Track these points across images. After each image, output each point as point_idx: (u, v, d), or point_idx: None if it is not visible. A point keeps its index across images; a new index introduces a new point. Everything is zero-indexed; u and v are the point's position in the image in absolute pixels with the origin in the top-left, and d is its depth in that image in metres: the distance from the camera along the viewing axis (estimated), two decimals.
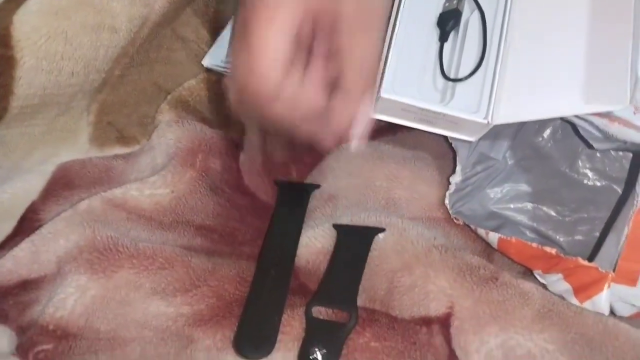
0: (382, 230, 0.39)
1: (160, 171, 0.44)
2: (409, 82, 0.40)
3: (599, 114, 0.34)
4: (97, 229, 0.37)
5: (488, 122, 0.37)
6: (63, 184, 0.45)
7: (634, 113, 0.35)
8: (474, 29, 0.41)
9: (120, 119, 0.50)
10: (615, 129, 0.33)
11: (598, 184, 0.42)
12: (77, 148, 0.49)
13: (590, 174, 0.42)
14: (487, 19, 0.40)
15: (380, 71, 0.41)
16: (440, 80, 0.40)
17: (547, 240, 0.42)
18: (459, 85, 0.39)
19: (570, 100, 0.34)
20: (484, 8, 0.41)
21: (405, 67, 0.40)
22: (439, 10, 0.42)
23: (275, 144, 0.49)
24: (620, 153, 0.42)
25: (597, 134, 0.35)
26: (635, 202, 0.31)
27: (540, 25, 0.38)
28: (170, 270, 0.35)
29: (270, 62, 0.30)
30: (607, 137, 0.34)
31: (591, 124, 0.34)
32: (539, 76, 0.36)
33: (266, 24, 0.30)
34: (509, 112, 0.37)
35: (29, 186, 0.45)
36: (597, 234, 0.42)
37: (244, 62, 0.31)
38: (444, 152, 0.46)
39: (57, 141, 0.47)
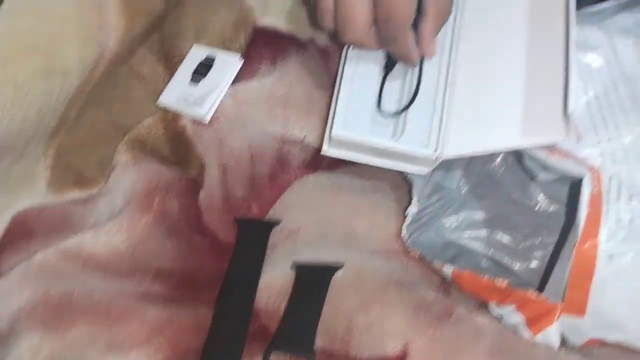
0: (340, 266, 0.39)
1: (117, 216, 0.44)
2: (361, 116, 0.40)
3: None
4: (51, 284, 0.36)
5: (438, 156, 0.37)
6: (20, 234, 0.44)
7: (577, 141, 0.36)
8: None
9: (78, 160, 0.50)
10: (555, 160, 0.34)
11: (550, 209, 0.43)
12: (35, 194, 0.48)
13: (542, 199, 0.43)
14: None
15: (332, 107, 0.41)
16: (393, 110, 0.40)
17: (502, 268, 0.43)
18: (409, 118, 0.39)
19: (510, 134, 0.34)
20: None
21: (356, 101, 0.40)
22: None
23: (235, 179, 0.49)
24: None
25: (539, 165, 0.35)
26: (577, 233, 0.32)
27: (484, 60, 0.39)
28: (126, 323, 0.35)
29: None
30: (548, 168, 0.35)
31: (533, 155, 0.35)
32: (483, 110, 0.37)
33: None
34: (457, 146, 0.37)
35: None
36: None
37: None
38: (401, 182, 0.47)
39: (14, 189, 0.46)
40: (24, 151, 0.46)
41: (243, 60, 0.48)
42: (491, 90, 0.37)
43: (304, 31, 0.51)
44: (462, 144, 0.37)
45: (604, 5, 0.41)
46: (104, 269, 0.40)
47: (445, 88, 0.39)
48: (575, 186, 0.34)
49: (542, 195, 0.43)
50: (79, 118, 0.49)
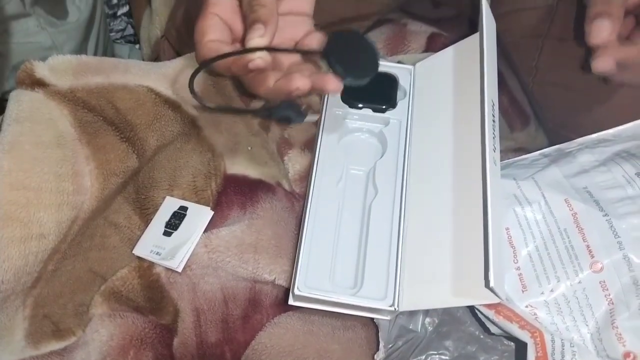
0: None
1: None
2: (321, 273, 0.43)
3: (487, 305, 0.37)
4: None
5: (395, 309, 0.40)
6: None
7: (522, 292, 0.38)
8: (377, 212, 0.44)
9: (56, 309, 0.51)
10: (499, 321, 0.36)
11: (512, 345, 0.45)
12: (12, 348, 0.49)
13: (503, 337, 0.45)
14: (386, 207, 0.44)
15: (296, 261, 0.44)
16: (351, 265, 0.43)
17: None
18: (367, 271, 0.42)
19: (448, 294, 0.37)
20: (382, 193, 0.45)
21: (316, 257, 0.43)
22: (345, 199, 0.46)
23: (209, 322, 0.50)
24: None
25: (489, 320, 0.38)
26: None
27: (424, 216, 0.42)
28: None
29: None
30: (496, 325, 0.37)
31: (482, 311, 0.37)
32: (429, 267, 0.40)
33: None
34: (412, 299, 0.40)
35: None
36: None
37: None
38: (370, 319, 0.49)
39: None
40: (2, 307, 0.47)
41: (213, 212, 0.51)
42: (430, 247, 0.40)
43: (272, 176, 0.55)
44: (412, 300, 0.39)
45: (533, 155, 0.45)
46: None
47: (398, 242, 0.42)
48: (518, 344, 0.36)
49: (502, 333, 0.45)
50: (56, 271, 0.51)
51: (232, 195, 0.53)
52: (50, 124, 0.48)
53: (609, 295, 0.36)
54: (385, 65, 0.53)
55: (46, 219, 0.47)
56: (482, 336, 0.45)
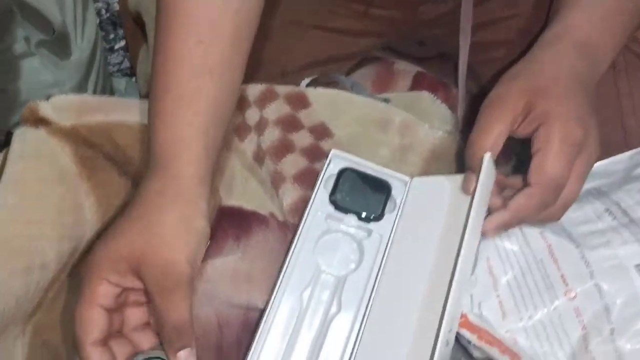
0: None
1: None
2: None
3: (471, 328, 0.39)
4: None
5: None
6: None
7: (502, 319, 0.40)
8: (335, 331, 0.45)
9: (54, 336, 0.52)
10: (482, 345, 0.38)
11: None
12: None
13: None
14: (344, 329, 0.45)
15: None
16: None
17: None
18: None
19: None
20: (344, 312, 0.46)
21: None
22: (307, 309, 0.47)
23: (204, 350, 0.52)
24: None
25: (472, 344, 0.40)
26: None
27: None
28: None
29: None
30: (479, 349, 0.39)
31: (465, 336, 0.39)
32: None
33: None
34: None
35: None
36: None
37: None
38: None
39: None
40: (2, 333, 0.49)
41: (208, 244, 0.53)
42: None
43: (265, 207, 0.57)
44: None
45: None
46: None
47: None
48: None
49: None
50: (55, 299, 0.52)
51: (226, 227, 0.55)
52: (52, 160, 0.50)
53: (583, 321, 0.38)
54: (383, 172, 0.51)
55: (48, 250, 0.49)
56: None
